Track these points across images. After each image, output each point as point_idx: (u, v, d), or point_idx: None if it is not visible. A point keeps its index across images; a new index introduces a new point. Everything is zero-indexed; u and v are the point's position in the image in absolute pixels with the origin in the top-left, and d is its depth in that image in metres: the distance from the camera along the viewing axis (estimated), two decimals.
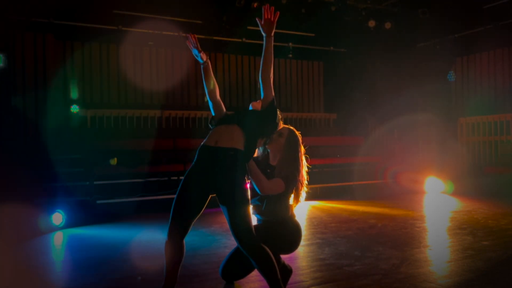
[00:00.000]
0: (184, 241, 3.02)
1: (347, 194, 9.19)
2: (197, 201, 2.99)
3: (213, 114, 3.37)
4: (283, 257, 3.60)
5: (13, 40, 8.41)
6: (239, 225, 2.92)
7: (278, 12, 3.14)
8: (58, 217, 6.28)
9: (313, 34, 10.95)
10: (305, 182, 3.41)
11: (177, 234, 2.97)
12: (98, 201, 7.28)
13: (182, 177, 3.11)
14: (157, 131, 9.54)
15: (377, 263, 4.08)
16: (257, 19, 3.15)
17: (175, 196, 3.02)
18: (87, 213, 6.91)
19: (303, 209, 7.53)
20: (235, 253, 3.41)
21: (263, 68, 3.14)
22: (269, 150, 3.48)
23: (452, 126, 10.81)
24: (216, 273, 3.90)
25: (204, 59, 3.28)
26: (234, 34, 10.03)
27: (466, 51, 10.83)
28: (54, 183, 7.22)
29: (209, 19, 9.47)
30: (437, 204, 8.08)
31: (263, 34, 3.12)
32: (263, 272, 2.95)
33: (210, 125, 3.28)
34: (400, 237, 5.24)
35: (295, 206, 3.44)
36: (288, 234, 3.36)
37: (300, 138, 3.46)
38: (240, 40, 10.39)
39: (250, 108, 3.40)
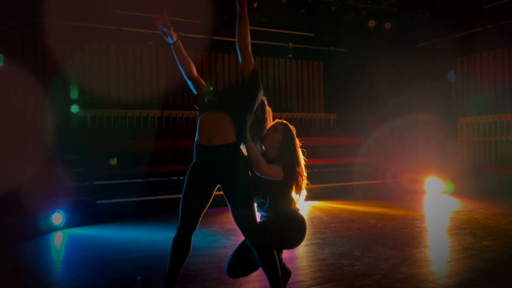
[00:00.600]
0: (192, 238, 3.04)
1: (347, 194, 9.19)
2: (202, 196, 3.03)
3: (195, 92, 3.32)
4: (285, 257, 3.60)
5: (13, 40, 8.42)
6: (243, 218, 2.96)
7: None
8: (58, 217, 6.28)
9: (313, 34, 10.95)
10: (305, 174, 3.40)
11: (186, 229, 2.99)
12: (98, 201, 7.28)
13: (182, 177, 3.12)
14: (157, 131, 9.53)
15: (377, 263, 4.08)
16: None
17: (182, 193, 3.05)
18: (87, 213, 6.91)
19: (303, 209, 7.53)
20: (240, 249, 3.41)
21: (241, 35, 3.08)
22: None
23: (452, 126, 10.81)
24: (216, 273, 3.90)
25: (175, 39, 3.20)
26: (234, 34, 10.02)
27: (466, 51, 10.83)
28: (54, 183, 7.22)
29: (209, 19, 9.47)
30: (437, 204, 8.08)
31: None
32: (264, 263, 2.96)
33: (195, 106, 3.22)
34: (400, 237, 5.24)
35: (297, 201, 3.44)
36: (293, 227, 3.36)
37: (294, 131, 3.45)
38: None
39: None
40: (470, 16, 9.86)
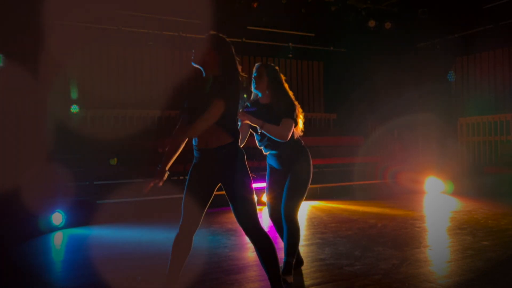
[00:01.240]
0: (193, 238, 3.04)
1: (347, 194, 9.19)
2: (203, 195, 3.05)
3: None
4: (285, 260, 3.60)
5: (13, 40, 8.40)
6: (244, 215, 2.96)
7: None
8: (58, 217, 6.29)
9: (313, 34, 10.95)
10: (300, 110, 3.75)
11: (189, 228, 3.01)
12: (98, 201, 7.28)
13: (182, 177, 3.12)
14: (157, 131, 9.53)
15: (377, 263, 4.08)
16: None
17: (183, 193, 3.07)
18: (87, 213, 6.91)
19: (303, 209, 7.53)
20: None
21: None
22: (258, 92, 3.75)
23: (452, 126, 10.81)
24: (216, 273, 3.90)
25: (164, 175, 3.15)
26: (234, 34, 10.03)
27: (466, 51, 10.83)
28: (54, 183, 7.21)
29: (209, 19, 9.46)
30: (437, 204, 8.08)
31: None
32: (266, 262, 2.97)
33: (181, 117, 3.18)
34: (400, 237, 5.24)
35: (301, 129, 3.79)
36: (305, 161, 3.74)
37: (276, 67, 3.76)
38: (240, 40, 10.39)
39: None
40: (470, 16, 9.86)
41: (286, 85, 3.78)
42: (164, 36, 9.60)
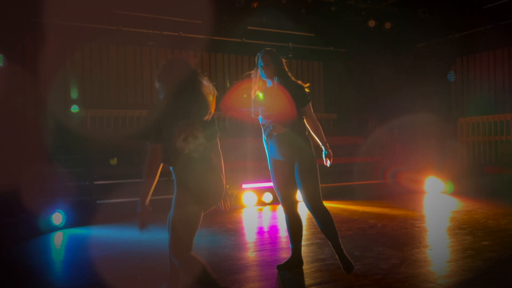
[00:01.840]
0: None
1: (347, 194, 9.18)
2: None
3: None
4: (285, 257, 3.59)
5: (13, 40, 8.40)
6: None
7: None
8: (58, 217, 6.28)
9: (313, 34, 10.95)
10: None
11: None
12: (98, 201, 7.28)
13: None
14: None
15: (377, 263, 4.08)
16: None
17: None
18: (87, 213, 6.91)
19: (303, 209, 7.51)
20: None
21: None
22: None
23: (452, 126, 10.81)
24: (216, 273, 3.89)
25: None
26: (234, 34, 10.03)
27: (466, 51, 10.83)
28: (54, 183, 7.22)
29: (209, 19, 9.46)
30: (437, 204, 8.08)
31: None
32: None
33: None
34: (400, 237, 5.24)
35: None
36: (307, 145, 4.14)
37: (273, 49, 3.90)
38: (240, 40, 10.38)
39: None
40: (470, 16, 9.86)
41: (287, 69, 3.94)
42: (164, 36, 9.60)
